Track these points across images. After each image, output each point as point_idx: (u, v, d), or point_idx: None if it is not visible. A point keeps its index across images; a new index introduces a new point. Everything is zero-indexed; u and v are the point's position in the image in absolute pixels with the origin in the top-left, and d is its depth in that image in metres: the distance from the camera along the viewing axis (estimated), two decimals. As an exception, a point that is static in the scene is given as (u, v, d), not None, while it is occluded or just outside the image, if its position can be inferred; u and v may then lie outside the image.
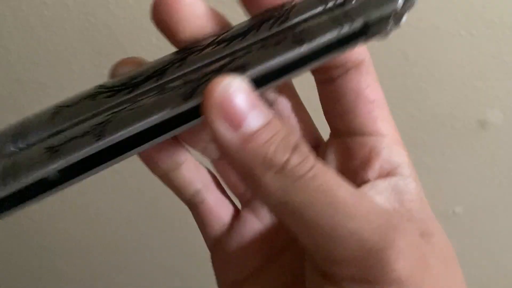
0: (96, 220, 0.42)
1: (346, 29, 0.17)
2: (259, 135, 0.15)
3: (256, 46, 0.17)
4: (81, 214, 0.42)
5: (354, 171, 0.19)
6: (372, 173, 0.19)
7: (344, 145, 0.20)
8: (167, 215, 0.42)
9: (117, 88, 0.17)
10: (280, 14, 0.18)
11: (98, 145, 0.16)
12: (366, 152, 0.19)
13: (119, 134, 0.16)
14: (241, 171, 0.16)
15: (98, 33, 0.38)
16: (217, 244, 0.21)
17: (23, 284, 0.43)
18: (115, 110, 0.17)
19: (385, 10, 0.17)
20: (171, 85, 0.17)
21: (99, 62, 0.40)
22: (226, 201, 0.22)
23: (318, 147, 0.21)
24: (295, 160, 0.15)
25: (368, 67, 0.19)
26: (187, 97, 0.16)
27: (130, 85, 0.17)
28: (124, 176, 0.41)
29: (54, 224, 0.42)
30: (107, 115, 0.16)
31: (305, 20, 0.18)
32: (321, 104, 0.20)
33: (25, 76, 0.40)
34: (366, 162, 0.19)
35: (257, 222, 0.21)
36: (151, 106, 0.16)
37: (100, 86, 0.17)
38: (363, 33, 0.17)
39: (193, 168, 0.20)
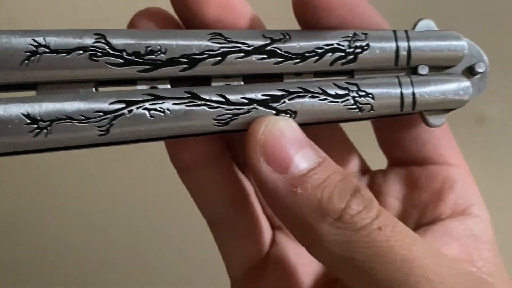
0: (89, 219, 0.41)
1: (409, 109, 0.16)
2: (310, 177, 0.13)
3: (313, 86, 0.15)
4: (74, 214, 0.41)
5: (423, 205, 0.17)
6: (445, 208, 0.16)
7: (408, 176, 0.18)
8: (160, 215, 0.42)
9: (128, 57, 0.14)
10: (348, 47, 0.15)
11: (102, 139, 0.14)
12: (437, 183, 0.17)
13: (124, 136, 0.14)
14: (291, 221, 0.13)
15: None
16: (251, 274, 0.18)
17: (15, 284, 0.42)
18: (132, 100, 0.14)
19: (457, 104, 0.16)
20: (205, 95, 0.14)
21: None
22: (265, 221, 0.19)
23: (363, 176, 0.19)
24: (355, 206, 0.13)
25: None
26: (221, 124, 0.14)
27: (147, 61, 0.14)
28: (117, 176, 0.40)
29: (46, 224, 0.41)
30: (119, 103, 0.14)
31: (373, 76, 0.16)
32: (375, 130, 0.18)
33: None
34: (438, 196, 0.17)
35: (299, 249, 0.18)
36: (172, 122, 0.14)
37: (101, 37, 0.14)
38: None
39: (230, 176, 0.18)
